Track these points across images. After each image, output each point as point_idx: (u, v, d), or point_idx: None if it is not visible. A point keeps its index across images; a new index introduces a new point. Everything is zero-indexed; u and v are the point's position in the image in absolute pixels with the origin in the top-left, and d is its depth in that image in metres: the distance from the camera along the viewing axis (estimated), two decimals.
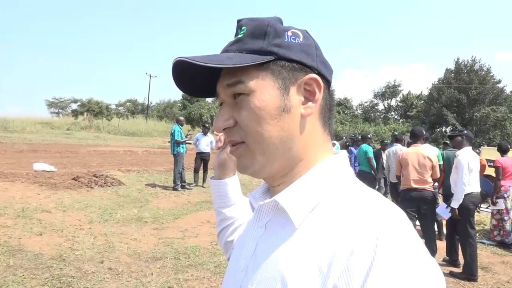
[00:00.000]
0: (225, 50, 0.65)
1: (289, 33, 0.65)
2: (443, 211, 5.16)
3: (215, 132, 0.77)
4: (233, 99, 0.64)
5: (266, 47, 0.62)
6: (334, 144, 7.17)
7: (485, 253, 5.86)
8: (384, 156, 8.85)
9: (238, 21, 0.67)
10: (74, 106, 49.71)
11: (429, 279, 0.49)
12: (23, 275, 3.93)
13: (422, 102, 49.59)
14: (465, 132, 5.13)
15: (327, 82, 0.68)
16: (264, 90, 0.62)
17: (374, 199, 0.58)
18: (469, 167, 4.75)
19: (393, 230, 0.51)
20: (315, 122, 0.66)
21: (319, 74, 0.65)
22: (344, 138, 7.68)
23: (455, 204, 4.72)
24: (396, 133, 9.65)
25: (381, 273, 0.47)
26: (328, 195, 0.61)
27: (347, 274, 0.49)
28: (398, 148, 7.55)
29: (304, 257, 0.55)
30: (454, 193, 4.86)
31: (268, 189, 0.75)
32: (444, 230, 6.42)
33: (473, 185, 4.78)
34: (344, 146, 11.24)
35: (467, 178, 4.70)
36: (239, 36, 0.65)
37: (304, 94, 0.64)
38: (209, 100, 44.07)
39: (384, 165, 8.73)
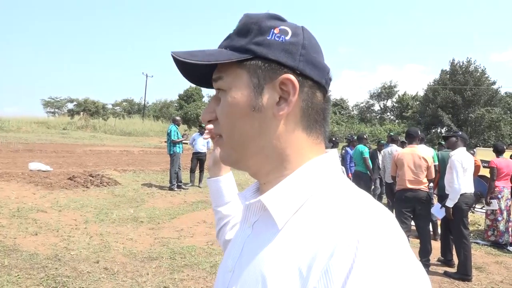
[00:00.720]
0: (219, 46, 0.67)
1: (276, 31, 0.63)
2: (437, 211, 5.19)
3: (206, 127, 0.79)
4: (219, 93, 0.67)
5: (246, 45, 0.63)
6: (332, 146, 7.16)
7: (479, 253, 5.90)
8: (380, 157, 8.88)
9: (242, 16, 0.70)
10: (70, 105, 49.52)
11: (411, 282, 0.47)
12: (18, 275, 3.92)
13: (417, 103, 49.80)
14: (460, 133, 5.17)
15: (316, 83, 0.64)
16: (237, 87, 0.63)
17: (360, 200, 0.57)
18: (463, 167, 4.78)
19: (375, 232, 0.50)
20: (295, 124, 0.64)
21: (301, 74, 0.62)
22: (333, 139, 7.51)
23: (450, 203, 4.75)
24: (391, 133, 9.68)
25: (361, 276, 0.46)
26: (313, 196, 0.60)
27: (326, 277, 0.48)
28: (393, 148, 7.59)
29: (285, 259, 0.55)
30: (448, 193, 4.89)
31: (258, 188, 0.74)
32: (439, 231, 6.47)
33: (467, 186, 4.81)
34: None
35: (462, 178, 4.73)
36: (231, 32, 0.67)
37: (281, 94, 0.62)
38: (205, 100, 44.05)
39: (380, 166, 8.77)
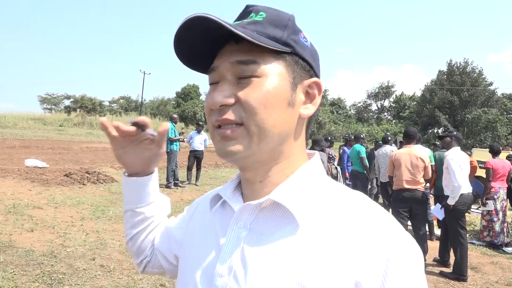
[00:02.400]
0: (241, 27, 0.60)
1: (302, 35, 0.65)
2: (437, 211, 5.20)
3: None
4: (236, 79, 0.61)
5: (286, 39, 0.61)
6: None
7: (475, 254, 5.92)
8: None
9: (250, 6, 0.65)
10: (67, 102, 49.50)
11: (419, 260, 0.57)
12: (13, 272, 3.90)
13: (414, 103, 50.00)
14: (454, 133, 5.18)
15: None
16: (277, 77, 0.60)
17: (364, 201, 0.63)
18: (459, 165, 4.79)
19: (400, 236, 0.58)
20: (304, 125, 0.68)
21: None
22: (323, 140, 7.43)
23: (451, 201, 4.73)
24: (387, 133, 9.72)
25: (398, 269, 0.54)
26: (318, 195, 0.63)
27: (368, 270, 0.54)
28: (387, 149, 7.61)
29: (315, 255, 0.56)
30: (447, 193, 4.91)
31: (237, 187, 0.72)
32: (436, 231, 6.49)
33: (464, 186, 4.82)
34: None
35: (460, 175, 4.73)
36: (257, 18, 0.62)
37: (305, 96, 0.65)
38: (203, 98, 43.99)
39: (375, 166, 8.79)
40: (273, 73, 0.60)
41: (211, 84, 0.65)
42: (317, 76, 0.67)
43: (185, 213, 0.88)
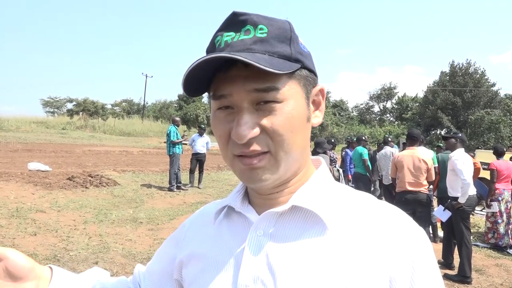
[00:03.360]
0: (248, 49, 0.57)
1: (300, 42, 0.64)
2: (440, 213, 5.18)
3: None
4: (254, 106, 0.58)
5: (295, 54, 0.60)
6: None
7: (479, 256, 5.89)
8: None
9: (240, 14, 0.60)
10: (69, 105, 49.48)
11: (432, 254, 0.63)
12: None
13: (417, 104, 49.86)
14: (459, 134, 5.16)
15: None
16: (296, 99, 0.60)
17: (374, 198, 0.67)
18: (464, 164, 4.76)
19: (419, 232, 0.62)
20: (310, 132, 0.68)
21: None
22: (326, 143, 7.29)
23: (462, 199, 4.70)
24: (387, 135, 9.71)
25: (423, 263, 0.59)
26: (336, 198, 0.65)
27: (399, 266, 0.57)
28: (388, 150, 7.61)
29: (351, 258, 0.58)
30: (450, 195, 4.89)
31: (244, 196, 0.71)
32: (439, 233, 6.46)
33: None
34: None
35: (468, 173, 4.70)
36: (260, 35, 0.58)
37: (312, 103, 0.66)
38: (205, 100, 44.05)
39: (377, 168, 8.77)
40: (292, 96, 0.59)
41: (219, 108, 0.61)
42: (317, 77, 0.67)
43: (169, 242, 0.83)
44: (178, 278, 0.77)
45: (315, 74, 0.66)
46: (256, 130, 0.58)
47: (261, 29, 0.58)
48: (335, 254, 0.58)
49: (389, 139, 8.47)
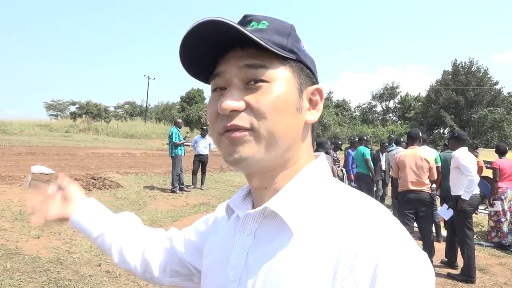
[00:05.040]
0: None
1: (302, 44, 0.66)
2: (444, 212, 5.16)
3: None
4: (244, 84, 0.60)
5: (290, 46, 0.62)
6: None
7: (483, 255, 5.86)
8: (383, 158, 8.86)
9: (248, 16, 0.65)
10: (72, 108, 49.74)
11: (424, 271, 0.52)
12: (20, 279, 3.92)
13: (420, 103, 49.78)
14: (456, 134, 5.15)
15: None
16: (286, 83, 0.61)
17: (364, 202, 0.60)
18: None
19: (389, 230, 0.54)
20: (309, 132, 0.69)
21: None
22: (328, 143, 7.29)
23: (466, 196, 4.68)
24: (392, 136, 9.69)
25: (387, 272, 0.50)
26: (317, 200, 0.62)
27: (352, 276, 0.51)
28: (400, 150, 7.61)
29: (306, 264, 0.55)
30: (453, 194, 4.88)
31: (247, 194, 0.74)
32: (442, 232, 6.43)
33: None
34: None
35: (474, 169, 4.68)
36: (261, 27, 0.62)
37: (308, 102, 0.66)
38: (207, 102, 44.02)
39: (383, 167, 8.75)
40: (282, 78, 0.60)
41: (214, 90, 0.64)
42: (317, 80, 0.69)
43: (202, 224, 0.91)
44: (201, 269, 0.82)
45: (314, 75, 0.67)
46: (241, 104, 0.59)
47: (263, 23, 0.63)
48: (293, 261, 0.57)
49: (401, 140, 8.46)
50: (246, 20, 0.64)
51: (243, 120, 0.59)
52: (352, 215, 0.56)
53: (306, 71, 0.65)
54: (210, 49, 0.62)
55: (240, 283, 0.62)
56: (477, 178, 4.68)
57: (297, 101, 0.62)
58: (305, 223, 0.59)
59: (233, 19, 0.59)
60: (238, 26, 0.55)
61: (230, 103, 0.58)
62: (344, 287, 0.51)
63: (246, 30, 0.56)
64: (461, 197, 4.70)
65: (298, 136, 0.64)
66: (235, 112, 0.59)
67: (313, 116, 0.66)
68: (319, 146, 7.08)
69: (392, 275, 0.49)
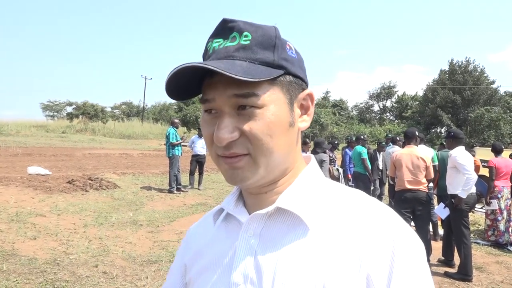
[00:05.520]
0: (230, 56, 0.61)
1: (288, 46, 0.65)
2: (440, 211, 5.17)
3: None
4: (236, 110, 0.61)
5: (278, 61, 0.62)
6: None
7: (480, 253, 5.88)
8: (380, 158, 8.88)
9: (229, 21, 0.63)
10: (69, 109, 49.61)
11: (420, 246, 0.62)
12: (16, 280, 3.90)
13: (417, 103, 49.85)
14: (452, 133, 5.16)
15: None
16: (276, 104, 0.61)
17: (364, 197, 0.67)
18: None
19: (395, 219, 0.62)
20: (300, 135, 0.70)
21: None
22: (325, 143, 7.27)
23: (464, 194, 4.69)
24: (389, 135, 9.71)
25: (401, 250, 0.58)
26: (322, 197, 0.66)
27: (376, 259, 0.58)
28: (396, 149, 7.62)
29: (329, 254, 0.59)
30: (450, 193, 4.89)
31: (239, 198, 0.74)
32: (440, 231, 6.45)
33: None
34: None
35: (471, 167, 4.69)
36: (244, 42, 0.61)
37: (300, 108, 0.67)
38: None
39: (380, 166, 8.76)
40: (272, 101, 0.61)
41: (206, 111, 0.64)
42: (306, 83, 0.68)
43: (178, 252, 0.87)
44: (187, 281, 0.80)
45: (303, 80, 0.67)
46: (235, 134, 0.60)
47: (245, 36, 0.61)
48: (315, 254, 0.60)
49: (397, 138, 8.50)
50: (227, 27, 0.62)
51: (239, 148, 0.61)
52: (360, 209, 0.63)
53: (295, 80, 0.65)
54: (193, 78, 0.62)
55: (252, 283, 0.62)
56: (474, 177, 4.70)
57: (289, 117, 0.63)
58: (318, 218, 0.63)
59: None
60: (222, 71, 0.55)
61: (225, 136, 0.60)
62: (369, 270, 0.57)
63: (231, 73, 0.55)
64: (458, 195, 4.71)
65: (293, 145, 0.66)
66: (232, 141, 0.61)
67: (305, 122, 0.68)
68: (316, 146, 7.10)
69: (405, 252, 0.58)
